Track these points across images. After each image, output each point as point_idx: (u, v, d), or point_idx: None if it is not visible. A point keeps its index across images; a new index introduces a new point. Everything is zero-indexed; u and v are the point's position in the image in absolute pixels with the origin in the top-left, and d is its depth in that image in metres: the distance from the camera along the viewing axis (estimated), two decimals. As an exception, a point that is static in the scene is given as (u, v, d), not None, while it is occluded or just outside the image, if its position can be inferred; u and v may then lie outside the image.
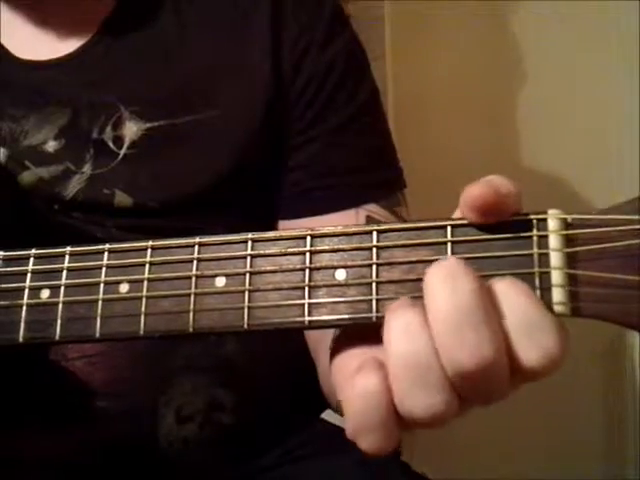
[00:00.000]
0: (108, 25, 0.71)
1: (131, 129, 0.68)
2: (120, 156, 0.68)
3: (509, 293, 0.38)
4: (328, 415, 0.78)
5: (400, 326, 0.38)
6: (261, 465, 0.73)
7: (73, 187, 0.68)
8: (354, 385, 0.39)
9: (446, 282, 0.38)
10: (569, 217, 0.39)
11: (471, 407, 0.40)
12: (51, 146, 0.68)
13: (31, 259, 0.48)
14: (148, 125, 0.69)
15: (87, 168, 0.68)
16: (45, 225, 0.68)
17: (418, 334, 0.38)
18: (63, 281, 0.47)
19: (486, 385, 0.38)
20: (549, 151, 1.37)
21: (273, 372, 0.74)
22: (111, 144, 0.69)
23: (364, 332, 0.42)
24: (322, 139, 0.71)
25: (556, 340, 0.37)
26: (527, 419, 1.36)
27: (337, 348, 0.44)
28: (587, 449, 1.37)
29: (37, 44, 0.71)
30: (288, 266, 0.42)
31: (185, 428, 0.69)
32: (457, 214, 0.42)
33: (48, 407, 0.65)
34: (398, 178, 0.75)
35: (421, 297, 0.39)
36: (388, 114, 0.83)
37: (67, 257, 0.47)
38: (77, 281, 0.47)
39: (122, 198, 0.68)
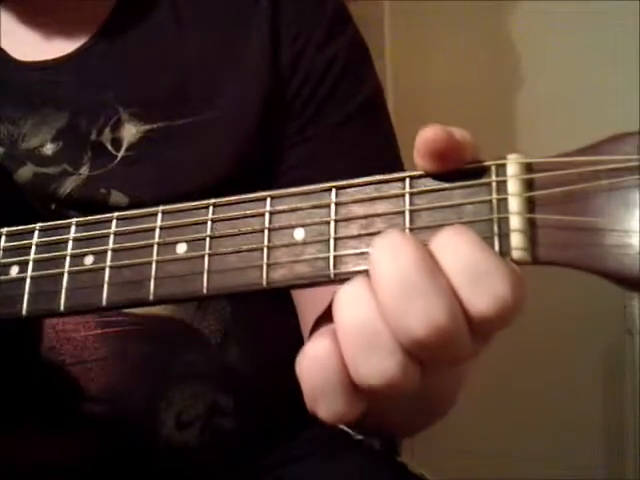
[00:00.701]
0: (106, 27, 0.71)
1: (130, 131, 0.68)
2: (118, 158, 0.68)
3: (452, 243, 0.36)
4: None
5: (346, 295, 0.37)
6: (261, 465, 0.73)
7: (69, 185, 0.68)
8: (304, 351, 0.38)
9: (387, 250, 0.36)
10: (529, 160, 0.38)
11: (437, 370, 0.39)
12: (49, 148, 0.68)
13: (2, 237, 0.48)
14: (147, 127, 0.69)
15: (84, 170, 0.68)
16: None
17: (363, 301, 0.37)
18: (32, 256, 0.47)
19: (445, 350, 0.36)
20: (549, 151, 1.36)
21: (274, 376, 0.74)
22: (109, 146, 0.68)
23: None
24: (322, 137, 0.71)
25: (506, 283, 0.35)
26: (527, 419, 1.36)
27: (313, 330, 0.43)
28: (587, 449, 1.37)
29: (36, 46, 0.71)
30: (247, 228, 0.42)
31: (185, 433, 0.68)
32: None
33: (44, 412, 0.65)
34: None
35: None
36: (388, 113, 0.83)
37: (36, 232, 0.47)
38: (44, 255, 0.46)
39: (118, 197, 0.68)
